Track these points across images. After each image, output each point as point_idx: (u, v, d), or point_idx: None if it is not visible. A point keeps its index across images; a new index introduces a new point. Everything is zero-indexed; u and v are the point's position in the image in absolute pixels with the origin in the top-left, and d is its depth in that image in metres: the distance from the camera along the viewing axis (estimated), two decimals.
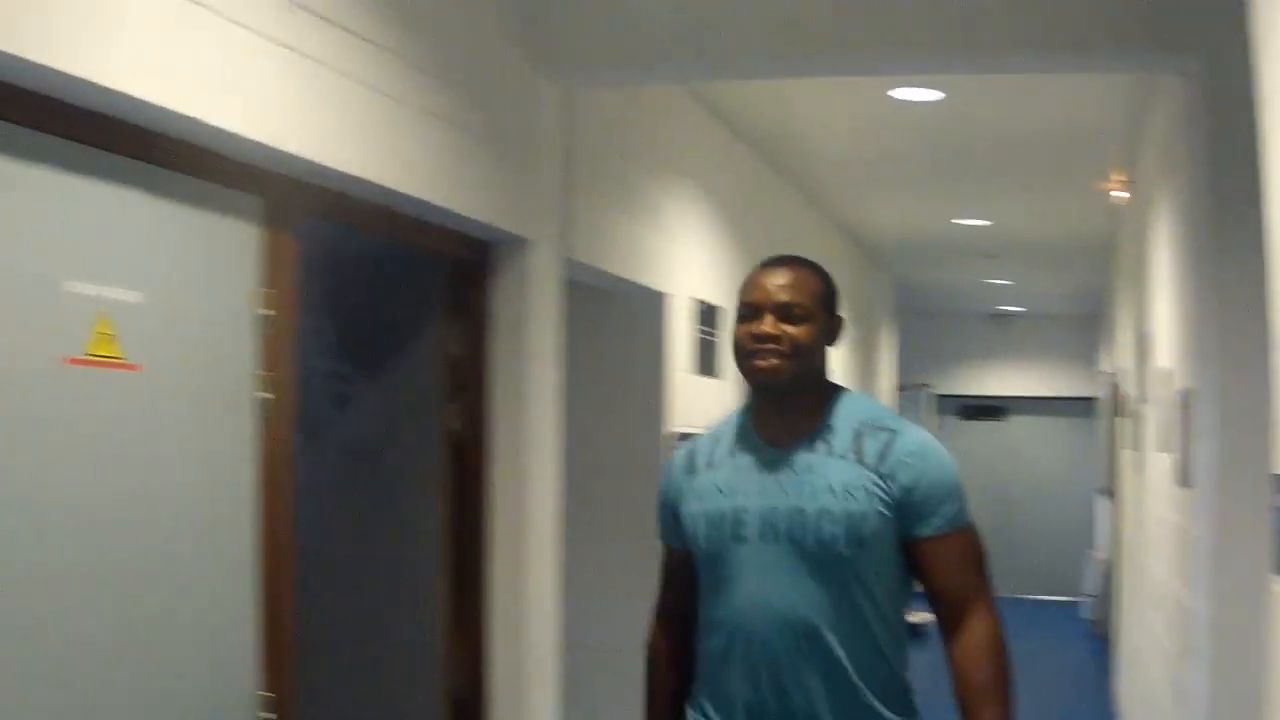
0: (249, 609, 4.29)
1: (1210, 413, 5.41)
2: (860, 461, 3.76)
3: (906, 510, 3.74)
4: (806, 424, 3.84)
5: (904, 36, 5.81)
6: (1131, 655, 10.79)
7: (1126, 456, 11.76)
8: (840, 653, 3.68)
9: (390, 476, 6.03)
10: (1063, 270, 17.19)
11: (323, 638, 5.55)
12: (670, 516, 4.01)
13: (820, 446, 3.80)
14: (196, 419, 4.05)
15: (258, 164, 4.23)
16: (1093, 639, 17.08)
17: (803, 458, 3.79)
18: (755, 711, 3.74)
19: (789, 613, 3.69)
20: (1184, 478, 6.32)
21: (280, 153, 4.17)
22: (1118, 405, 13.02)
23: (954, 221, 13.73)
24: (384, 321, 6.02)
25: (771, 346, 3.78)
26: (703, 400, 8.56)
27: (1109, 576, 14.95)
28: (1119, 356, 13.21)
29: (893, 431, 3.83)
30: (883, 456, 3.76)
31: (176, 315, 3.93)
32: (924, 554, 3.77)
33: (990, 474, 22.69)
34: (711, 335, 8.80)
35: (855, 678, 3.68)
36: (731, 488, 3.82)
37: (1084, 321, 20.93)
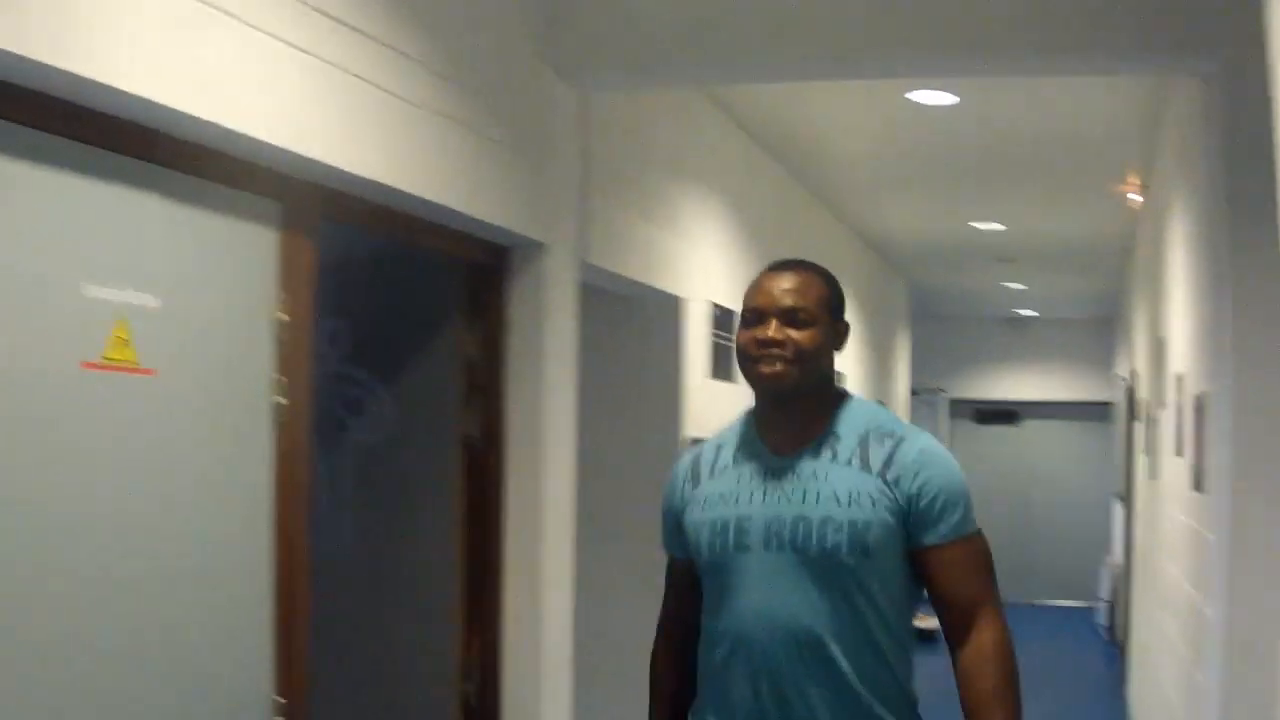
0: (264, 613, 4.30)
1: (1224, 417, 5.40)
2: (865, 468, 3.72)
3: (913, 518, 3.70)
4: (811, 430, 3.82)
5: (920, 39, 5.80)
6: (1144, 659, 10.78)
7: (1141, 461, 11.75)
8: (844, 662, 3.64)
9: (405, 480, 6.03)
10: (1078, 274, 17.17)
11: (336, 641, 5.56)
12: (673, 525, 3.97)
13: (825, 453, 3.77)
14: (212, 423, 4.05)
15: (275, 168, 4.23)
16: (1108, 644, 17.07)
17: (807, 465, 3.76)
18: None
19: (792, 622, 3.66)
20: (1198, 482, 6.31)
21: (298, 157, 4.18)
22: (1133, 410, 13.01)
23: (971, 225, 13.72)
24: (400, 325, 6.02)
25: (775, 351, 3.75)
26: (719, 405, 8.53)
27: (1124, 581, 14.94)
28: (1134, 361, 13.20)
29: (899, 438, 3.79)
30: (889, 463, 3.72)
31: (193, 320, 3.94)
32: (930, 562, 3.72)
33: (1005, 479, 22.71)
34: (728, 340, 8.74)
35: (859, 688, 3.64)
36: (735, 495, 3.79)
37: (1099, 326, 20.92)
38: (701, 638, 3.87)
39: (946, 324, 22.05)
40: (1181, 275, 7.59)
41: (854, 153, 10.89)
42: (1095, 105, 8.80)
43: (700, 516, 3.83)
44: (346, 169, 4.42)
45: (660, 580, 4.18)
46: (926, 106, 8.81)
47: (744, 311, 3.86)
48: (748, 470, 3.81)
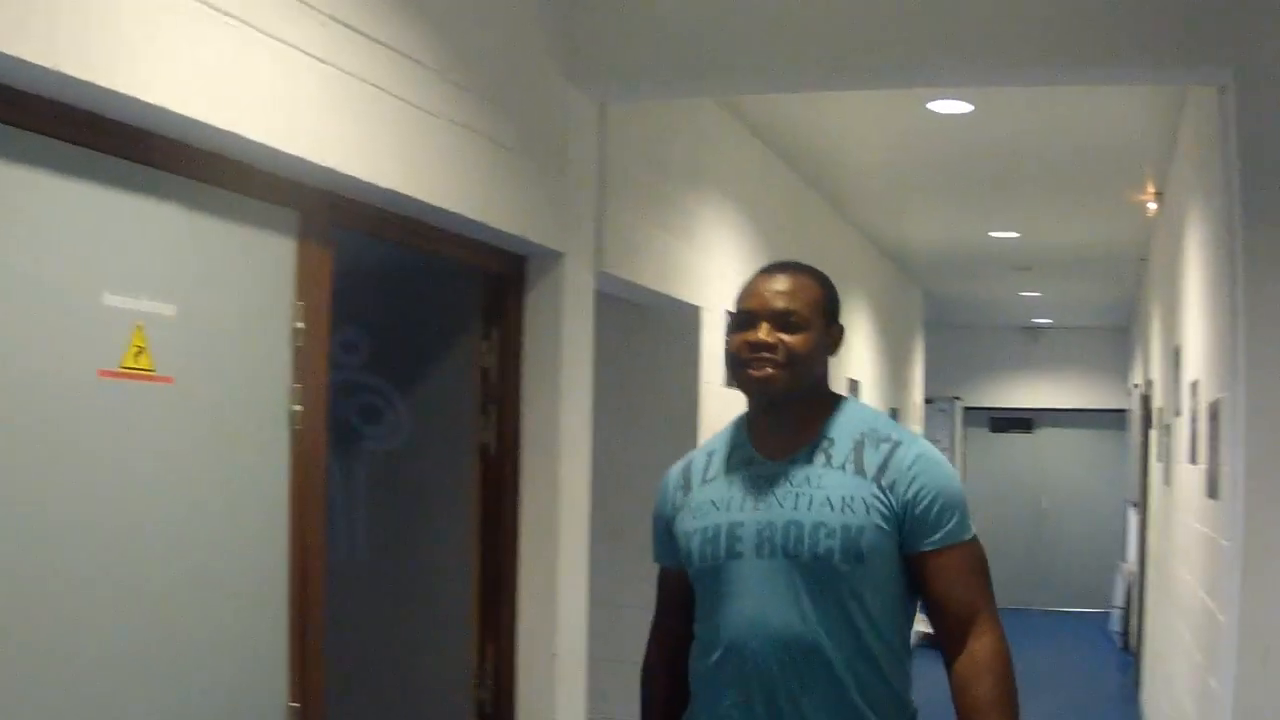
0: (279, 619, 4.31)
1: (1239, 424, 5.40)
2: (860, 473, 3.63)
3: (908, 523, 3.61)
4: (804, 435, 3.72)
5: (936, 49, 5.80)
6: (1158, 665, 10.77)
7: (1156, 468, 11.75)
8: (837, 670, 3.56)
9: (421, 488, 6.04)
10: (1093, 282, 17.16)
11: (352, 647, 5.58)
12: (664, 534, 3.89)
13: (819, 458, 3.67)
14: (229, 431, 4.07)
15: (293, 177, 4.25)
16: (1122, 651, 17.05)
17: (800, 470, 3.66)
18: None
19: (784, 629, 3.57)
20: (1212, 489, 6.32)
21: (315, 166, 4.20)
22: (1148, 417, 13.01)
23: (987, 234, 13.72)
24: (417, 333, 6.03)
25: (766, 355, 3.65)
26: (734, 413, 8.47)
27: (1139, 588, 14.93)
28: (1149, 368, 13.19)
29: (894, 442, 3.69)
30: (884, 468, 3.63)
31: (210, 328, 3.96)
32: (926, 568, 3.62)
33: (1020, 487, 22.72)
34: None
35: (852, 696, 3.56)
36: (726, 502, 3.70)
37: (1115, 334, 20.93)
38: (694, 646, 3.80)
39: (962, 332, 22.04)
40: (1196, 283, 7.59)
41: (870, 161, 10.89)
42: (1111, 114, 8.80)
43: (691, 524, 3.74)
44: (364, 178, 4.44)
45: None
46: (942, 115, 8.82)
47: (735, 314, 3.78)
48: (739, 477, 3.73)
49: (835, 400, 3.80)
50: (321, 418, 4.48)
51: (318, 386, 4.45)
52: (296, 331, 4.34)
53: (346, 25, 4.30)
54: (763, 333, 3.66)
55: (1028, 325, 22.15)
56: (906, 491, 3.60)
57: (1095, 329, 21.64)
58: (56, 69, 3.12)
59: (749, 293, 3.76)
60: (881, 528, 3.58)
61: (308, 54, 4.10)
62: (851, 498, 3.59)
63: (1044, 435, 23.18)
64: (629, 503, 7.91)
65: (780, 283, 3.74)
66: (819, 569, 3.56)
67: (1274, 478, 5.24)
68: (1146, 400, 13.40)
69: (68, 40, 3.14)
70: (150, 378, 3.69)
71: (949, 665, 3.61)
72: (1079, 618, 20.99)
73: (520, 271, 5.95)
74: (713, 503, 3.73)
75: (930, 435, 18.70)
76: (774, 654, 3.57)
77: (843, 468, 3.64)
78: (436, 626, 5.97)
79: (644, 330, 8.34)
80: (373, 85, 4.47)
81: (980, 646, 3.57)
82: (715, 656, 3.67)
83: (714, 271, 8.57)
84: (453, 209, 5.02)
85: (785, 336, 3.66)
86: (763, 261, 9.48)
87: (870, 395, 14.02)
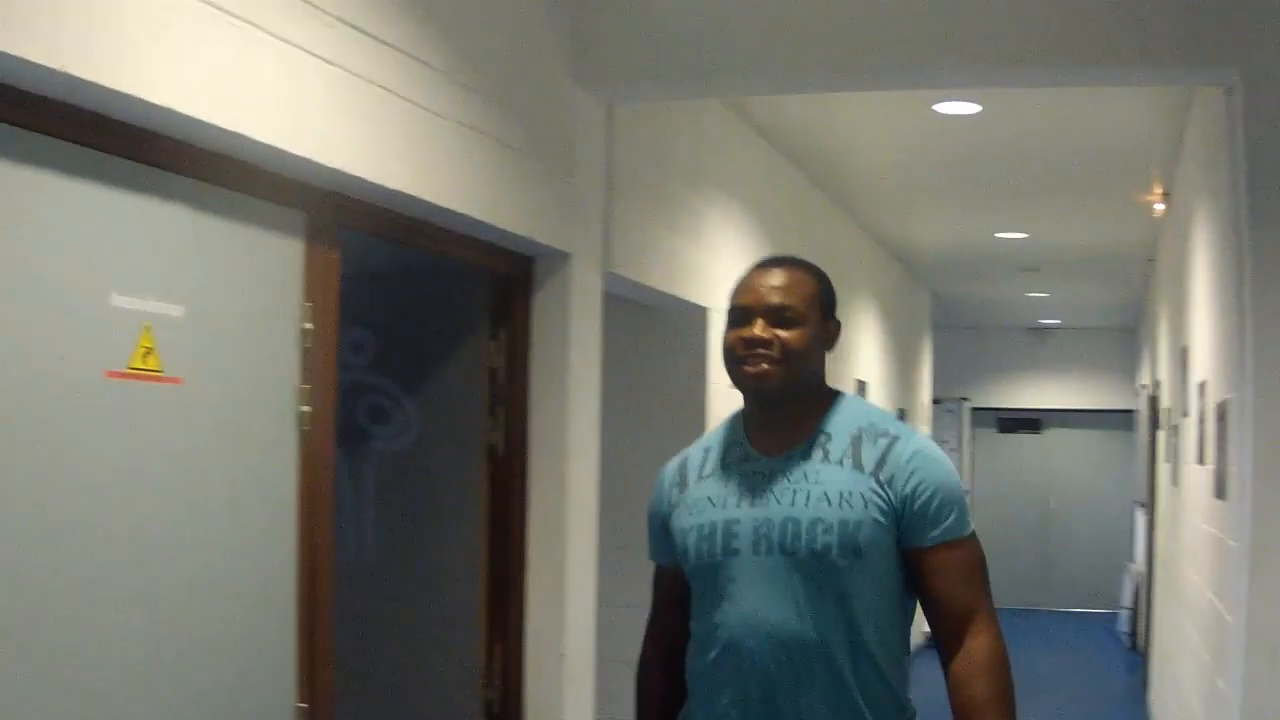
0: (288, 619, 4.32)
1: (1246, 424, 5.40)
2: (858, 468, 3.58)
3: (906, 519, 3.56)
4: (801, 431, 3.67)
5: (942, 50, 5.80)
6: (1166, 666, 10.77)
7: (1163, 469, 11.75)
8: (836, 669, 3.52)
9: (429, 488, 6.04)
10: (1101, 283, 17.16)
11: (360, 648, 5.59)
12: (660, 532, 3.85)
13: (816, 454, 3.63)
14: (237, 432, 4.08)
15: (300, 178, 4.26)
16: (1130, 651, 17.04)
17: (797, 466, 3.61)
18: None
19: (781, 627, 3.53)
20: (1220, 489, 6.32)
21: (323, 167, 4.20)
22: (1156, 418, 13.00)
23: (994, 234, 13.72)
24: (424, 334, 6.04)
25: (762, 352, 3.60)
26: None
27: (1147, 588, 14.94)
28: (1157, 369, 13.19)
29: (892, 437, 3.63)
30: (881, 463, 3.58)
31: (218, 329, 3.97)
32: (923, 564, 3.58)
33: (1028, 487, 22.73)
34: None
35: (852, 695, 3.53)
36: (723, 499, 3.66)
37: (1122, 334, 20.92)
38: (690, 644, 3.75)
39: (969, 333, 22.04)
40: (1204, 284, 7.59)
41: (877, 162, 10.90)
42: (1118, 115, 8.81)
43: (688, 521, 3.70)
44: (371, 179, 4.44)
45: None
46: (950, 116, 8.82)
47: (730, 310, 3.73)
48: (736, 473, 3.68)
49: (833, 395, 3.76)
50: (330, 418, 4.49)
51: (326, 387, 4.46)
52: (304, 332, 4.34)
53: (354, 26, 4.31)
54: (758, 329, 3.62)
55: (1035, 326, 22.14)
56: (905, 486, 3.56)
57: (1103, 330, 21.63)
58: (62, 70, 3.12)
59: (744, 288, 3.74)
60: (879, 522, 3.54)
61: (314, 55, 4.11)
62: (849, 493, 3.55)
63: (1052, 436, 23.18)
64: (636, 503, 7.90)
65: (775, 277, 3.71)
66: (816, 565, 3.53)
67: None
68: (1154, 401, 13.39)
69: (72, 41, 3.15)
70: (158, 378, 3.70)
71: (945, 664, 3.58)
72: (1087, 618, 20.99)
73: (528, 272, 5.95)
74: (709, 499, 3.69)
75: (938, 436, 18.73)
76: (771, 652, 3.53)
77: (840, 463, 3.60)
78: (444, 627, 5.97)
79: (651, 331, 8.34)
80: (380, 86, 4.47)
81: (977, 645, 3.54)
82: (712, 655, 3.63)
83: (721, 272, 8.57)
84: (460, 210, 5.02)
85: (781, 332, 3.62)
86: None
87: (878, 396, 14.01)
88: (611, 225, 6.53)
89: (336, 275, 4.51)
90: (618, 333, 7.23)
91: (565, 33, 5.93)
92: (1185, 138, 8.88)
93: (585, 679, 6.18)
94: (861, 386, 13.14)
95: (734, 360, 3.68)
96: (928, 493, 3.57)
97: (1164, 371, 11.90)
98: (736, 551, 3.60)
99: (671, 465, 3.89)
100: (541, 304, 5.99)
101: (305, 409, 4.34)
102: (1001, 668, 3.54)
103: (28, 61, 3.03)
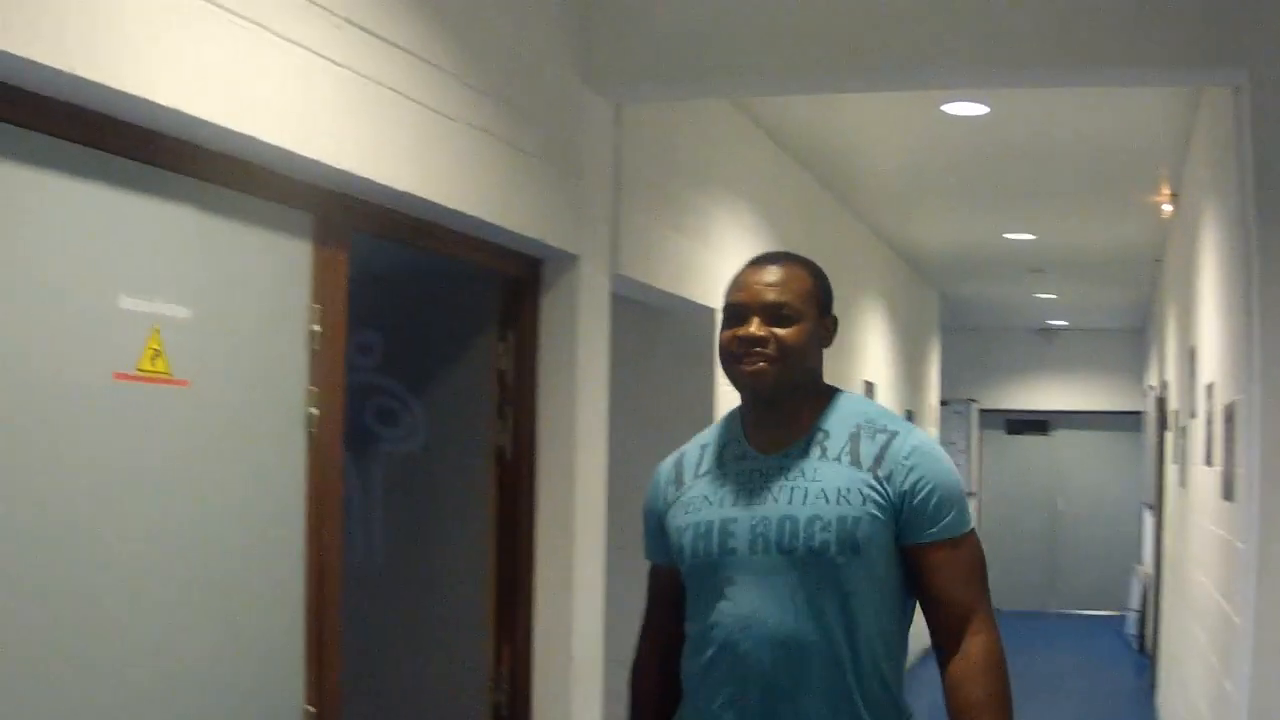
0: (295, 622, 4.32)
1: (1254, 426, 5.39)
2: (856, 464, 3.54)
3: (905, 515, 3.52)
4: (799, 428, 3.63)
5: (951, 51, 5.80)
6: (1174, 668, 10.76)
7: (1171, 470, 11.74)
8: (835, 670, 3.48)
9: (437, 491, 6.04)
10: (1109, 284, 17.15)
11: (368, 650, 5.59)
12: (656, 530, 3.81)
13: (814, 450, 3.59)
14: (245, 434, 4.08)
15: (309, 180, 4.26)
16: (1137, 653, 17.03)
17: (795, 463, 3.58)
18: None
19: (779, 627, 3.48)
20: (1228, 491, 6.31)
21: (331, 169, 4.20)
22: (1164, 419, 12.99)
23: (1002, 236, 13.71)
24: (433, 336, 6.03)
25: (758, 350, 3.58)
26: None
27: (1155, 590, 14.92)
28: (1165, 370, 13.18)
29: (891, 433, 3.59)
30: (880, 459, 3.54)
31: (226, 331, 3.97)
32: (922, 561, 3.54)
33: (1036, 489, 22.73)
34: None
35: (851, 696, 3.49)
36: (720, 497, 3.62)
37: (1130, 336, 20.92)
38: (686, 644, 3.71)
39: (977, 334, 22.04)
40: (1212, 285, 7.59)
41: (885, 163, 10.89)
42: (1126, 116, 8.80)
43: (684, 520, 3.66)
44: (379, 181, 4.44)
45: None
46: (958, 117, 8.81)
47: (725, 308, 3.72)
48: (733, 471, 3.65)
49: (830, 392, 3.73)
50: (338, 420, 4.49)
51: (334, 389, 4.46)
52: (313, 334, 4.34)
53: (362, 28, 4.31)
54: (754, 327, 3.60)
55: (1043, 327, 22.13)
56: (904, 482, 3.53)
57: (1110, 331, 21.63)
58: (68, 70, 3.12)
59: (739, 285, 3.72)
60: (878, 518, 3.50)
61: (323, 56, 4.11)
62: (847, 489, 3.52)
63: (1060, 437, 23.17)
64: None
65: (771, 274, 3.68)
66: (814, 564, 3.49)
67: None
68: (1162, 402, 13.39)
69: (77, 41, 3.15)
70: (167, 381, 3.70)
71: (943, 664, 3.55)
72: (1095, 620, 20.97)
73: (536, 274, 5.95)
74: (705, 498, 3.65)
75: (946, 438, 18.71)
76: (768, 653, 3.50)
77: (839, 459, 3.57)
78: (452, 629, 5.96)
79: (659, 332, 8.34)
80: (389, 88, 4.48)
81: (975, 646, 3.50)
82: (708, 655, 3.59)
83: (728, 273, 8.44)
84: (469, 212, 5.02)
85: (777, 330, 3.59)
86: None
87: (886, 397, 14.00)
88: (619, 227, 6.53)
89: (345, 277, 4.51)
90: (625, 334, 7.23)
91: (575, 35, 5.93)
92: (1193, 138, 8.88)
93: (594, 681, 6.18)
94: (869, 388, 13.13)
95: (730, 358, 3.66)
96: (926, 489, 3.53)
97: (1172, 373, 11.89)
98: (733, 551, 3.56)
99: (668, 463, 3.86)
100: (550, 306, 5.99)
101: (313, 411, 4.34)
102: (999, 669, 3.51)
103: (33, 62, 3.04)
